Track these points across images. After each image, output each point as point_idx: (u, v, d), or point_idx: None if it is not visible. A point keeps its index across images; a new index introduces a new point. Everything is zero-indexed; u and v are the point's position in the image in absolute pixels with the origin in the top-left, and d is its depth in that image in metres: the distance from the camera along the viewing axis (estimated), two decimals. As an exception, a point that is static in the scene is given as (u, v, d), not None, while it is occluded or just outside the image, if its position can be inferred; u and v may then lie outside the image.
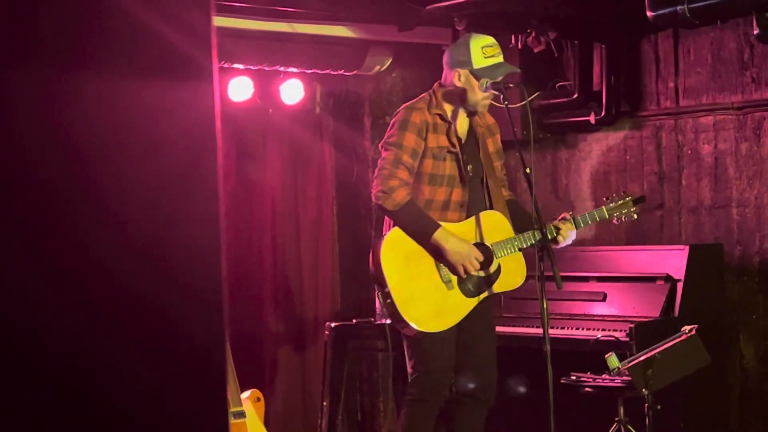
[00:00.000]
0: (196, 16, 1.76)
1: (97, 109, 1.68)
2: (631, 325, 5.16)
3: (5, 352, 1.60)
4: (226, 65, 5.94)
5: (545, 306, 4.29)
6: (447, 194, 4.63)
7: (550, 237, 4.52)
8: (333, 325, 5.98)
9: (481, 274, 4.59)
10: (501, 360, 4.84)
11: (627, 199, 4.83)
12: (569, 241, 4.62)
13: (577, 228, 4.66)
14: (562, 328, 5.47)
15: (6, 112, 1.60)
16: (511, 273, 4.65)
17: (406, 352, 4.68)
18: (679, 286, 5.34)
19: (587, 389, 4.80)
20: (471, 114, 4.72)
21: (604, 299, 5.54)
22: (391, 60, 6.49)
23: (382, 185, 4.53)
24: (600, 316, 5.49)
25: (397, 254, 4.53)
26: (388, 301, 4.49)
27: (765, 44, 5.49)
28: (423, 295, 4.52)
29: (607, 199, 4.87)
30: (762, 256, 5.67)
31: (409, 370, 4.68)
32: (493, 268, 4.61)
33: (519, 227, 4.66)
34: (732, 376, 5.70)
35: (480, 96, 4.60)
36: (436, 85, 4.72)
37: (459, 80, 4.62)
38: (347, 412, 6.37)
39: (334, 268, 6.79)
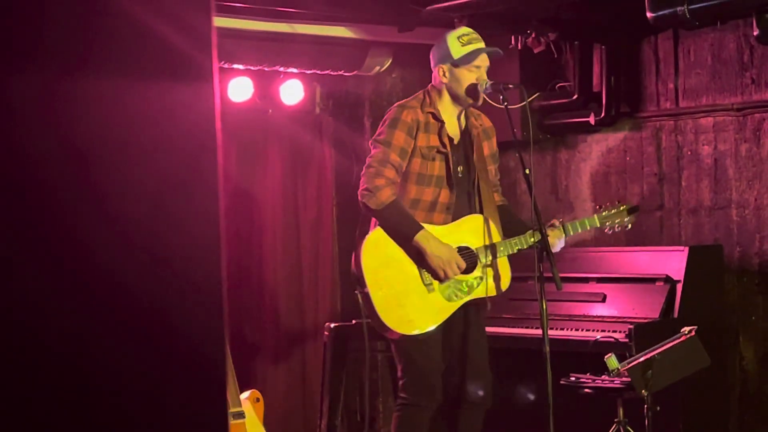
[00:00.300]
0: (197, 17, 1.76)
1: (98, 110, 1.68)
2: (631, 326, 5.15)
3: (5, 352, 1.60)
4: (226, 65, 5.94)
5: (545, 307, 4.28)
6: (434, 195, 4.55)
7: (536, 242, 4.45)
8: (333, 325, 5.98)
9: (464, 278, 4.51)
10: (500, 361, 4.84)
11: (621, 208, 4.79)
12: (557, 249, 4.54)
13: (566, 235, 4.61)
14: (562, 329, 5.47)
15: (8, 113, 1.61)
16: (495, 278, 4.55)
17: (395, 356, 4.61)
18: (679, 287, 5.34)
19: (587, 390, 4.79)
20: (467, 113, 4.67)
21: (603, 300, 5.54)
22: (391, 61, 6.49)
23: (367, 183, 4.46)
24: (599, 317, 5.49)
25: (379, 255, 4.45)
26: (367, 302, 4.41)
27: (765, 45, 5.50)
28: (402, 298, 4.43)
29: (600, 207, 4.83)
30: (761, 258, 5.67)
31: (398, 374, 4.61)
32: (477, 273, 4.53)
33: (509, 234, 4.58)
34: (731, 378, 5.70)
35: (465, 85, 4.51)
36: (430, 84, 4.69)
37: (444, 76, 4.57)
38: (347, 412, 6.37)
39: (333, 269, 6.79)
